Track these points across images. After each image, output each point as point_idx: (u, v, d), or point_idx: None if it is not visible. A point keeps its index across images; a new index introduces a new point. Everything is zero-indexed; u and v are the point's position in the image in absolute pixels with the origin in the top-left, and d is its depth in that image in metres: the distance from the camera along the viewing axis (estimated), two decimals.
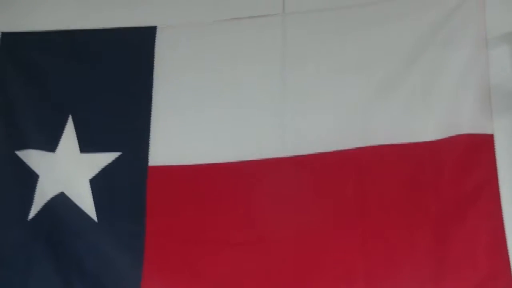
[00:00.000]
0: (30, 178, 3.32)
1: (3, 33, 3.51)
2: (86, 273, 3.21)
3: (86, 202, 3.28)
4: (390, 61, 3.23)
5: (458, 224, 3.06)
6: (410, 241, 3.08)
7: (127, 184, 3.29)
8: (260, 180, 3.23)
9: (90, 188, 3.29)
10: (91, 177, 3.31)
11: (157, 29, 3.41)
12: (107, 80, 3.41)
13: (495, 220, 3.04)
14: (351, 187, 3.17)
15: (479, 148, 3.10)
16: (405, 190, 3.13)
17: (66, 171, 3.33)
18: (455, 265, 3.02)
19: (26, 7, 3.54)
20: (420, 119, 3.16)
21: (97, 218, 3.26)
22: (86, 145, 3.34)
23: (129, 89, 3.39)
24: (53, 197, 3.29)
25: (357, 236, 3.11)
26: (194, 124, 3.31)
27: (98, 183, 3.29)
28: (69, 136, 3.36)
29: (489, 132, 3.11)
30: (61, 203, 3.28)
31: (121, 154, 3.32)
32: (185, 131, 3.31)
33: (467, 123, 3.12)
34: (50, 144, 3.35)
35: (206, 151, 3.27)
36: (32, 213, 3.30)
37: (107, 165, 3.32)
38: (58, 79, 3.43)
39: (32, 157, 3.35)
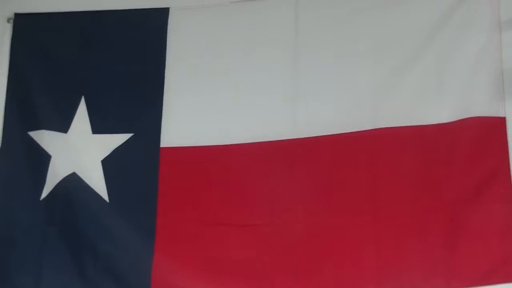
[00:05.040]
0: (42, 159, 3.34)
1: (16, 14, 3.52)
2: (97, 254, 3.23)
3: (98, 183, 3.29)
4: (403, 44, 3.23)
5: (470, 208, 3.05)
6: (422, 226, 3.08)
7: (139, 165, 3.30)
8: (271, 161, 3.23)
9: (102, 169, 3.30)
10: (103, 158, 3.32)
11: (170, 10, 3.42)
12: (120, 62, 3.42)
13: (507, 204, 3.04)
14: (363, 170, 3.16)
15: (491, 130, 3.09)
16: (417, 173, 3.13)
17: (78, 151, 3.34)
18: (467, 250, 3.02)
19: None
20: (433, 102, 3.15)
21: (109, 199, 3.28)
22: (98, 126, 3.35)
23: (142, 70, 3.39)
24: (65, 178, 3.30)
25: (368, 220, 3.11)
26: (206, 106, 3.31)
27: (110, 164, 3.31)
28: (81, 117, 3.37)
29: (501, 115, 3.11)
30: (73, 184, 3.29)
31: (133, 135, 3.33)
32: (197, 112, 3.31)
33: (480, 106, 3.12)
34: (62, 125, 3.36)
35: (218, 133, 3.27)
36: (44, 193, 3.31)
37: (119, 146, 3.33)
38: (70, 60, 3.44)
39: (45, 138, 3.36)
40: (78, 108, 3.38)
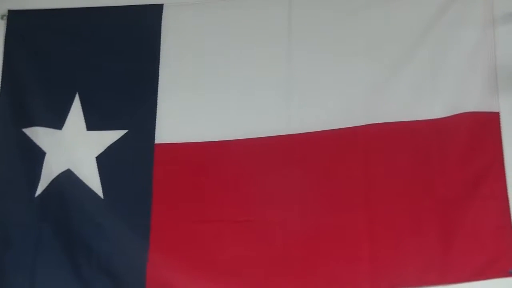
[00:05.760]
0: (37, 156, 3.34)
1: (10, 11, 3.52)
2: (92, 251, 3.22)
3: (92, 179, 3.29)
4: (397, 41, 3.25)
5: (465, 204, 3.07)
6: (417, 222, 3.08)
7: (134, 161, 3.30)
8: (265, 157, 3.23)
9: (96, 166, 3.30)
10: (98, 154, 3.32)
11: (164, 6, 3.42)
12: (114, 58, 3.43)
13: (501, 200, 3.05)
14: (356, 166, 3.17)
15: (485, 126, 3.11)
16: (411, 169, 3.14)
17: (73, 148, 3.34)
18: (462, 246, 3.03)
19: None
20: (427, 97, 3.17)
21: (103, 195, 3.28)
22: (93, 122, 3.35)
23: (136, 67, 3.40)
24: (59, 174, 3.30)
25: (363, 217, 3.12)
26: (200, 102, 3.32)
27: (105, 161, 3.31)
28: (76, 113, 3.37)
29: (495, 110, 3.11)
30: (67, 180, 3.29)
31: (128, 132, 3.33)
32: (191, 108, 3.32)
33: (474, 101, 3.13)
34: (57, 121, 3.36)
35: (212, 129, 3.28)
36: (39, 190, 3.31)
37: (114, 143, 3.33)
38: (64, 57, 3.44)
39: (39, 135, 3.36)
40: (73, 105, 3.38)
